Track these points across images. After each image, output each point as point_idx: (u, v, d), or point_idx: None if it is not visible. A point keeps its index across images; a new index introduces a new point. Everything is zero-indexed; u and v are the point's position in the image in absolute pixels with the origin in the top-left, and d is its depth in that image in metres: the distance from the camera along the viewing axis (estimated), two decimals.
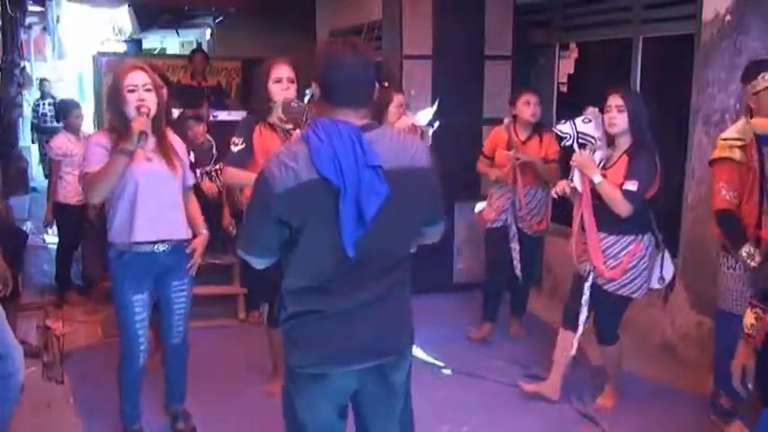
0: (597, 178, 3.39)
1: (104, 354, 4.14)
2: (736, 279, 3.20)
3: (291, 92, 3.43)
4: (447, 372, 4.19)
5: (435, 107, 5.06)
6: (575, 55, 5.32)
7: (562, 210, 4.73)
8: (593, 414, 3.62)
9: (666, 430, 3.53)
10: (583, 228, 3.52)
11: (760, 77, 3.06)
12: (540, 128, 4.44)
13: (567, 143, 3.56)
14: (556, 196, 3.73)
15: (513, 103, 4.48)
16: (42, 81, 11.58)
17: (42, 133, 10.75)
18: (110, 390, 3.35)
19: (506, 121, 4.46)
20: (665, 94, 3.61)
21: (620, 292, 3.47)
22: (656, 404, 3.75)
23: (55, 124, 10.01)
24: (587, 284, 3.51)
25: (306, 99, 3.38)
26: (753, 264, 3.04)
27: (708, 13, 3.96)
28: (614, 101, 3.40)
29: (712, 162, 3.23)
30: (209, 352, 4.16)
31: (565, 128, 3.56)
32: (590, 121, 3.52)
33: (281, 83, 3.44)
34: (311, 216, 1.89)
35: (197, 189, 4.54)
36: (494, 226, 4.54)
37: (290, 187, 1.86)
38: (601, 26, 5.07)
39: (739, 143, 3.11)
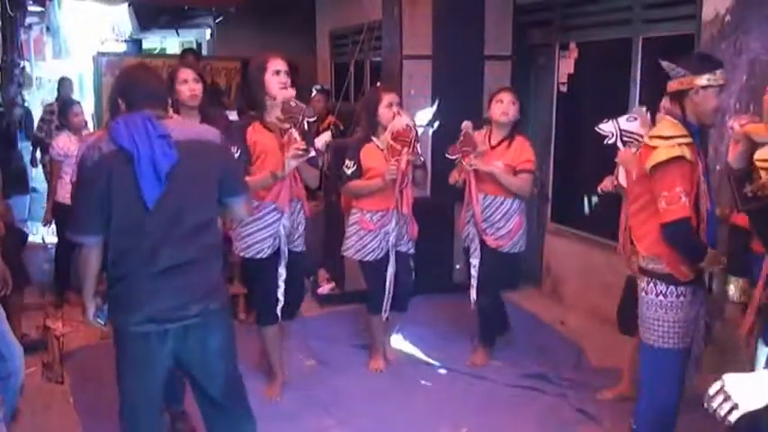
0: None
1: (104, 354, 4.12)
2: (666, 307, 2.78)
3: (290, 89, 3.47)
4: (446, 372, 4.20)
5: (435, 107, 5.07)
6: (575, 55, 5.31)
7: (563, 211, 4.76)
8: (593, 414, 3.62)
9: None
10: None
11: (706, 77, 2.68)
12: (514, 132, 4.04)
13: (610, 141, 3.57)
14: (601, 192, 3.73)
15: (489, 102, 4.13)
16: (63, 80, 8.75)
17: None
18: (110, 390, 3.34)
19: (465, 123, 4.00)
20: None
21: None
22: None
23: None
24: None
25: (313, 95, 3.39)
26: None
27: (708, 13, 3.96)
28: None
29: (659, 165, 2.68)
30: None
31: (606, 127, 3.57)
32: (635, 119, 3.55)
33: (279, 75, 3.48)
34: (114, 179, 2.32)
35: None
36: (463, 238, 4.18)
37: (96, 159, 2.34)
38: (601, 26, 5.07)
39: (687, 140, 2.70)
